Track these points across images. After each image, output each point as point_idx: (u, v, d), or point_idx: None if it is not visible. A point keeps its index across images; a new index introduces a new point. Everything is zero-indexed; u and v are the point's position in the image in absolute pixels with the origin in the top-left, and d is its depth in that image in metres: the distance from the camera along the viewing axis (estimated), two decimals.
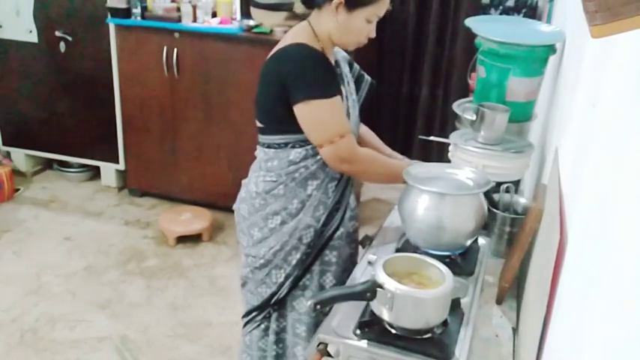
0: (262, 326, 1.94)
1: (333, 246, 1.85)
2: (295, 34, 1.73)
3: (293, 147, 1.73)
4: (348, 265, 1.94)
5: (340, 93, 1.71)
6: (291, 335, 1.92)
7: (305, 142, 1.72)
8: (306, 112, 1.64)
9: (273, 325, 1.92)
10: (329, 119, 1.66)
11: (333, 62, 1.79)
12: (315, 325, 1.86)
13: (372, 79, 2.00)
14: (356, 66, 1.97)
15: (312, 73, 1.65)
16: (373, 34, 1.72)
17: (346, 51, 1.89)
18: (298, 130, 1.69)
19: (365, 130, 2.03)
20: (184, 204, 3.72)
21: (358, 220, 1.99)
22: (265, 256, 1.83)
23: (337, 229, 1.83)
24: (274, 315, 1.91)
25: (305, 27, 1.73)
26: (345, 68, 1.87)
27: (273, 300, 1.87)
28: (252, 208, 1.82)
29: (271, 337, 1.94)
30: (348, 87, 1.85)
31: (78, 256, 3.31)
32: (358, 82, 1.95)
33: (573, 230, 1.15)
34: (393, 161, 1.82)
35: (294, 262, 1.82)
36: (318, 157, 1.72)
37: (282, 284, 1.85)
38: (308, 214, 1.78)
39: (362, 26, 1.67)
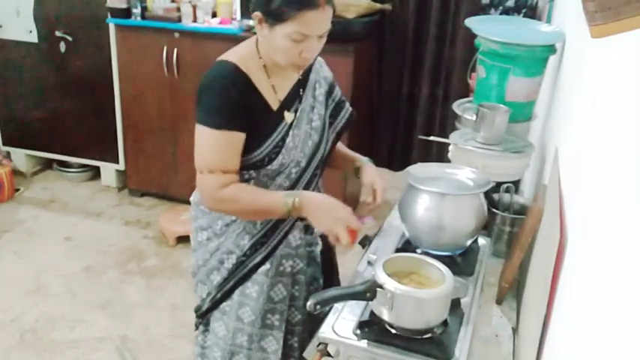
0: (195, 333, 1.89)
1: (255, 280, 1.70)
2: (238, 47, 1.61)
3: None
4: (282, 307, 1.74)
5: (243, 128, 1.54)
6: (211, 358, 1.83)
7: None
8: (195, 133, 1.56)
9: (199, 338, 1.87)
10: (205, 149, 1.55)
11: (288, 79, 1.63)
12: (231, 354, 1.76)
13: (352, 110, 1.83)
14: (337, 91, 1.79)
15: (209, 98, 1.54)
16: (308, 55, 1.50)
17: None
18: None
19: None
20: (184, 204, 3.69)
21: (310, 261, 1.79)
22: (193, 267, 1.80)
23: (262, 263, 1.69)
24: (200, 328, 1.85)
25: (252, 40, 1.60)
26: (317, 90, 1.71)
27: (198, 312, 1.81)
28: (192, 216, 1.78)
29: (197, 350, 1.89)
30: (311, 113, 1.68)
31: (78, 256, 3.31)
32: (338, 108, 1.79)
33: (573, 230, 1.15)
34: (267, 197, 1.58)
35: (214, 282, 1.74)
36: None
37: (204, 300, 1.78)
38: (230, 239, 1.69)
39: (287, 45, 1.47)
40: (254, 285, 1.70)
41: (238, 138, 1.55)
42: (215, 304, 1.76)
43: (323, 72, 1.74)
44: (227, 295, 1.73)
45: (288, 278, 1.74)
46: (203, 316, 1.81)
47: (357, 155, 1.84)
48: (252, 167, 1.61)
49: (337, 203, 1.58)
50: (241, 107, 1.54)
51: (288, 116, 1.62)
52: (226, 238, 1.70)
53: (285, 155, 1.61)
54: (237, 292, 1.72)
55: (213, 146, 1.54)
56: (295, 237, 1.73)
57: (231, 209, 1.62)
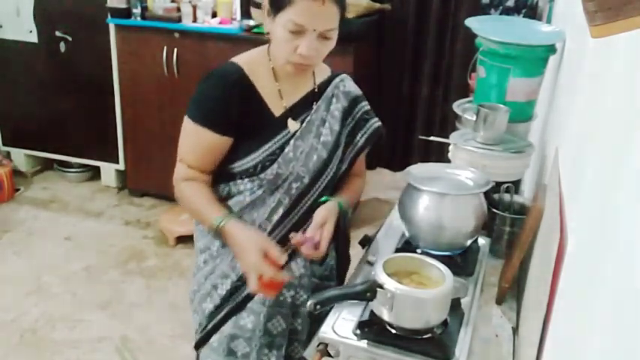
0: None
1: (251, 309, 1.55)
2: (251, 50, 1.59)
3: (217, 182, 1.59)
4: (281, 341, 1.60)
5: (221, 131, 1.50)
6: None
7: (227, 178, 1.56)
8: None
9: None
10: (181, 137, 1.58)
11: (300, 88, 1.58)
12: None
13: (378, 125, 1.69)
14: (360, 107, 1.67)
15: (199, 90, 1.53)
16: (304, 51, 1.42)
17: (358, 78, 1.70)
18: (222, 161, 1.56)
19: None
20: None
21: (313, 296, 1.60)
22: (190, 293, 1.68)
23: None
24: None
25: (266, 45, 1.57)
26: (334, 104, 1.61)
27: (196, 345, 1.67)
28: (194, 237, 1.70)
29: None
30: (321, 126, 1.58)
31: (78, 256, 3.31)
32: (359, 125, 1.66)
33: (573, 230, 1.15)
34: (204, 208, 1.52)
35: (206, 311, 1.59)
36: (242, 197, 1.55)
37: (196, 331, 1.65)
38: (226, 261, 1.57)
39: (283, 36, 1.42)
40: (249, 315, 1.56)
41: (212, 139, 1.51)
42: (205, 337, 1.61)
43: (344, 87, 1.64)
44: (217, 327, 1.59)
45: (288, 309, 1.59)
46: (196, 350, 1.67)
47: (340, 193, 1.65)
48: (245, 174, 1.54)
49: (252, 244, 1.44)
50: (229, 111, 1.49)
51: (293, 125, 1.55)
52: (222, 260, 1.59)
53: (282, 166, 1.52)
54: (229, 323, 1.57)
55: (186, 137, 1.57)
56: (299, 265, 1.59)
57: (182, 204, 1.61)
